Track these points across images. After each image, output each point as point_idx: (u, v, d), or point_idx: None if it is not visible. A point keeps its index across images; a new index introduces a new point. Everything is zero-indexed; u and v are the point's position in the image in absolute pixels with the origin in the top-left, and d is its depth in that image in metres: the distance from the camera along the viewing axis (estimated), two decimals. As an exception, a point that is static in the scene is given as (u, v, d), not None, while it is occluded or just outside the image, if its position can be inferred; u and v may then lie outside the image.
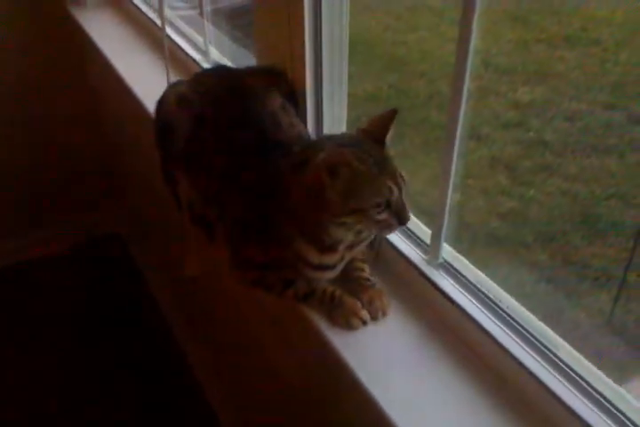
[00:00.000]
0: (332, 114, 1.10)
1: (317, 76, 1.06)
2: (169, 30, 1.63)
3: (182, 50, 1.59)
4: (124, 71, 1.65)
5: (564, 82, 2.57)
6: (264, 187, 0.95)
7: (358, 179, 0.82)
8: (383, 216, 0.84)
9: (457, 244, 1.01)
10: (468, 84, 0.82)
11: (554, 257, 2.04)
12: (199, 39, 1.59)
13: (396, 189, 0.84)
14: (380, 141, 0.88)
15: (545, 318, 0.93)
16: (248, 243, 0.99)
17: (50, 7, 2.07)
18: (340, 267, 0.96)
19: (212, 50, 1.52)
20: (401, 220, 0.86)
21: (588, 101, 2.46)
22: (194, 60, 1.53)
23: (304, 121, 1.09)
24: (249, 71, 1.15)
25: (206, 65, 1.49)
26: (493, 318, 0.89)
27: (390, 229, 0.87)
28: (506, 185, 2.29)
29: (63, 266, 2.51)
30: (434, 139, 2.44)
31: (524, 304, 0.92)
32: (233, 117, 1.03)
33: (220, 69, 1.26)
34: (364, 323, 0.95)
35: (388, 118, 0.88)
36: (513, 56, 2.65)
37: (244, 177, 0.99)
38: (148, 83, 1.54)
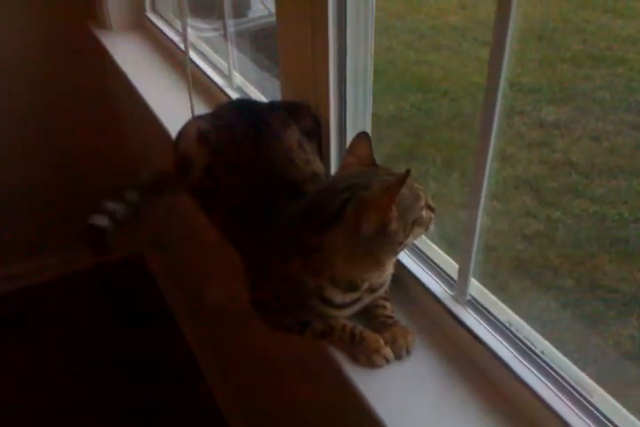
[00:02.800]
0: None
1: (341, 107, 1.04)
2: (192, 54, 1.63)
3: (205, 74, 1.59)
4: (147, 95, 1.65)
5: (589, 101, 2.53)
6: (281, 241, 0.92)
7: (405, 198, 0.84)
8: (428, 213, 0.89)
9: (481, 265, 0.98)
10: (499, 111, 0.80)
11: (580, 281, 2.00)
12: (222, 63, 1.59)
13: (419, 186, 0.88)
14: (374, 164, 0.92)
15: (569, 347, 0.89)
16: (262, 287, 0.98)
17: (74, 29, 2.09)
18: (358, 305, 0.94)
19: (236, 74, 1.52)
20: (433, 208, 0.90)
21: (615, 121, 2.42)
22: (217, 85, 1.52)
23: (327, 153, 1.08)
24: (270, 106, 1.14)
25: (230, 90, 1.49)
26: (522, 360, 0.86)
27: (432, 220, 0.90)
28: (531, 206, 2.25)
29: (84, 285, 2.52)
30: (458, 159, 2.42)
31: (548, 333, 0.89)
32: (247, 154, 1.02)
33: (241, 103, 1.25)
34: (387, 361, 0.92)
35: (366, 142, 0.93)
36: (538, 75, 2.62)
37: (258, 220, 0.97)
38: (171, 107, 1.54)
